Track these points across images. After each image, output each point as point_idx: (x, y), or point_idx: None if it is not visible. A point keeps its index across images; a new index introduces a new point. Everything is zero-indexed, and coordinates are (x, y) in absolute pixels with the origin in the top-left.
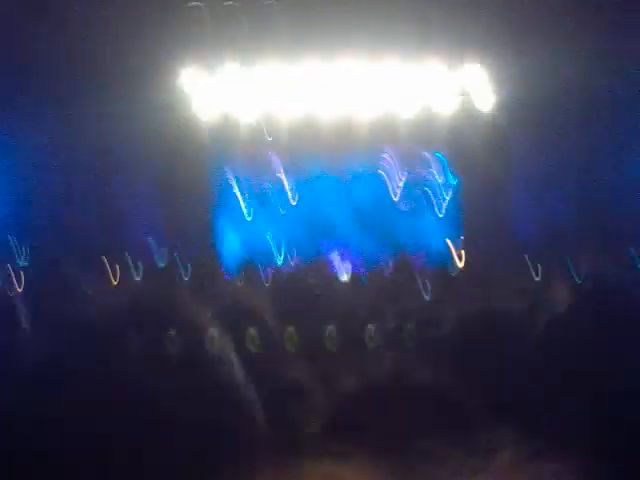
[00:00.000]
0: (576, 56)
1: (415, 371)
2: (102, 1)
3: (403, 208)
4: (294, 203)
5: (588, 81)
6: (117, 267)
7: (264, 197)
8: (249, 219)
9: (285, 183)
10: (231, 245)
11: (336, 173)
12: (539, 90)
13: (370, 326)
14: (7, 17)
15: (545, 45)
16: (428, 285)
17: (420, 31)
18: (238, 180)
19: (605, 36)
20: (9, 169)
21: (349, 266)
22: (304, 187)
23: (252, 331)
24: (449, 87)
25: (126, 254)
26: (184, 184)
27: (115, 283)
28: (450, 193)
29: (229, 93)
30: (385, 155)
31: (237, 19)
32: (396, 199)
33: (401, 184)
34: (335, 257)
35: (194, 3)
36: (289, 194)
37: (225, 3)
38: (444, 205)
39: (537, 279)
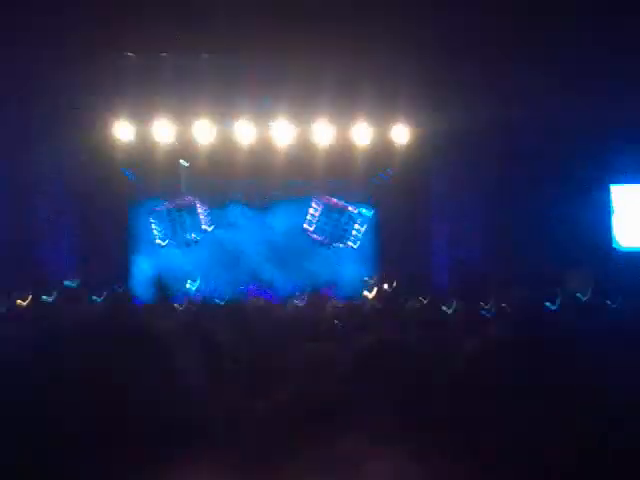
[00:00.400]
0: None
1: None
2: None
3: (317, 240)
4: (209, 229)
5: (505, 129)
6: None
7: (181, 226)
8: (164, 246)
9: (201, 213)
10: (147, 272)
11: (253, 204)
12: (458, 140)
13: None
14: None
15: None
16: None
17: (344, 95)
18: (156, 212)
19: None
20: None
21: (262, 295)
22: (220, 216)
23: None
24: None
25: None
26: (106, 217)
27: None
28: (366, 226)
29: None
30: (303, 188)
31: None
32: (312, 230)
33: (316, 215)
34: (249, 285)
35: (128, 53)
36: (205, 223)
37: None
38: (357, 237)
39: (449, 312)
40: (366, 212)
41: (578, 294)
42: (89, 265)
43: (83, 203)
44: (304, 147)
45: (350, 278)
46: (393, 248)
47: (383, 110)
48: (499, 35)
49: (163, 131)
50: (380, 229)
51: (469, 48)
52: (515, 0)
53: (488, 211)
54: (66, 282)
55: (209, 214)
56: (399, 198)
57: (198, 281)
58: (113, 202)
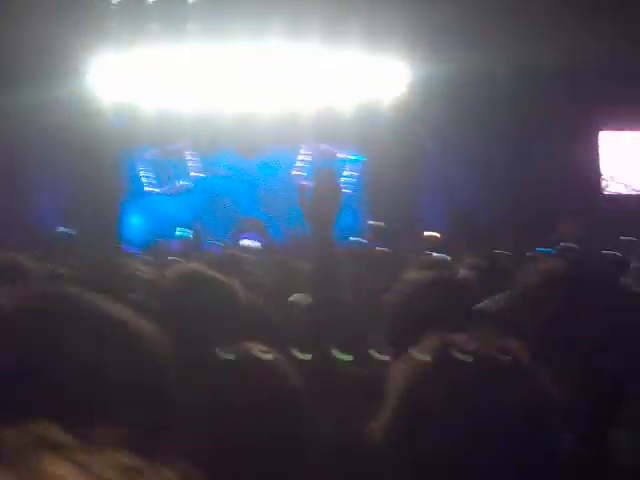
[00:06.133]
0: (494, 51)
1: None
2: None
3: (301, 183)
4: (199, 176)
5: (507, 77)
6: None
7: (171, 173)
8: (154, 194)
9: (191, 160)
10: (137, 223)
11: (243, 152)
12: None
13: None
14: None
15: (464, 43)
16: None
17: (337, 35)
18: (145, 162)
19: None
20: None
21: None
22: (210, 163)
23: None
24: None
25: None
26: (94, 167)
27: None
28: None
29: (140, 78)
30: (292, 135)
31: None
32: (301, 177)
33: (306, 162)
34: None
35: None
36: (194, 170)
37: None
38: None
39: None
40: (355, 158)
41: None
42: (81, 215)
43: (72, 153)
44: (292, 93)
45: (342, 224)
46: (383, 194)
47: (374, 53)
48: None
49: (151, 75)
50: (369, 176)
51: None
52: None
53: (476, 156)
54: (61, 229)
55: (199, 161)
56: (389, 144)
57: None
58: (102, 151)
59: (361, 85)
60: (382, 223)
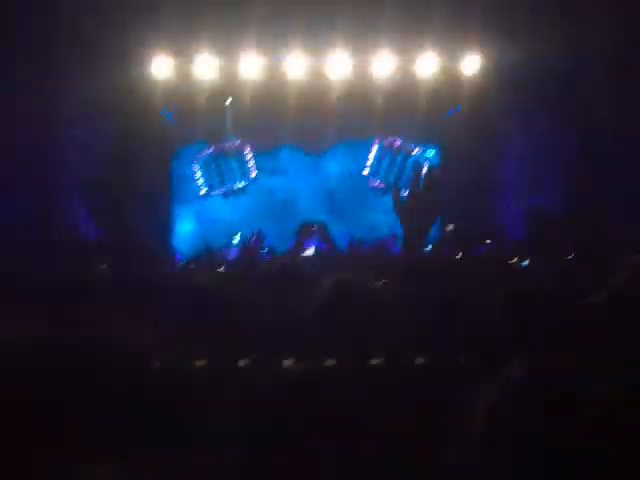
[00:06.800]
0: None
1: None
2: None
3: (379, 187)
4: (254, 175)
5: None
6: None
7: (228, 173)
8: (209, 196)
9: (250, 159)
10: (189, 230)
11: (306, 147)
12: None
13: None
14: None
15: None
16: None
17: (407, 22)
18: (201, 159)
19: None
20: None
21: (315, 243)
22: (269, 162)
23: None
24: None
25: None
26: (146, 165)
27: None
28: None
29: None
30: (362, 129)
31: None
32: (372, 176)
33: (378, 160)
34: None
35: None
36: (253, 169)
37: None
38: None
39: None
40: (430, 154)
41: None
42: (130, 222)
43: (120, 152)
44: (362, 82)
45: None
46: (460, 194)
47: (451, 39)
48: None
49: (206, 67)
50: (445, 173)
51: None
52: None
53: (568, 156)
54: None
55: (257, 159)
56: (468, 138)
57: (238, 235)
58: (153, 150)
59: (434, 75)
60: (452, 225)
